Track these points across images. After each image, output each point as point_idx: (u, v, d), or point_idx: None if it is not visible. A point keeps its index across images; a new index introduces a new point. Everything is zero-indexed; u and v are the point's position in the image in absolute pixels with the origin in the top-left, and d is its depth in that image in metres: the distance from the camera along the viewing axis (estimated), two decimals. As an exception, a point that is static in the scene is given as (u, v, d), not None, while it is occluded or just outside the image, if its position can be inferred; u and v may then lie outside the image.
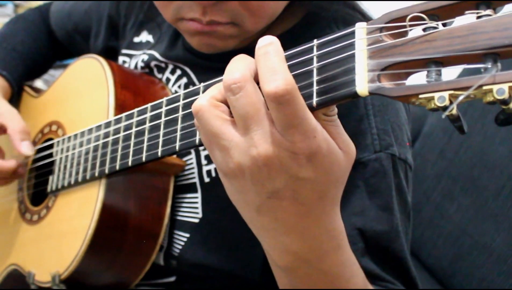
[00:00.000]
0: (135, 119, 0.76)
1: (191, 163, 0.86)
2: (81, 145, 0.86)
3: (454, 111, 0.43)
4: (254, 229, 0.60)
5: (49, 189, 0.92)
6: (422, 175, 1.32)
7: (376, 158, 0.75)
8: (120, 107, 0.85)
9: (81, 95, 0.94)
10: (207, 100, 0.53)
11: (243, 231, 0.62)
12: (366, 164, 0.75)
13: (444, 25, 0.45)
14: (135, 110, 0.76)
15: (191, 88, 0.65)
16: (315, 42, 0.52)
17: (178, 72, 0.91)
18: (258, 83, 0.51)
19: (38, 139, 1.00)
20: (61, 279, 0.84)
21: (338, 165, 0.53)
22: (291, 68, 0.53)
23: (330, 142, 0.52)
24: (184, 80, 0.90)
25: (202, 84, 0.63)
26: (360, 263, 0.72)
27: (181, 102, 0.66)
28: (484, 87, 0.41)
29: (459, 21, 0.44)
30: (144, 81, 0.93)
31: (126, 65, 1.01)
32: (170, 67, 0.93)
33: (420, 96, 0.44)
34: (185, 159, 0.86)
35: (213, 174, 0.84)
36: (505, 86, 0.40)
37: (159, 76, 0.94)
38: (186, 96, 0.65)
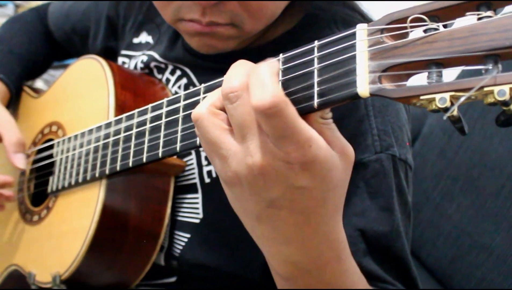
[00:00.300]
0: (135, 120, 0.76)
1: (192, 164, 0.86)
2: (81, 145, 0.86)
3: (455, 113, 0.43)
4: (255, 237, 0.60)
5: (49, 189, 0.93)
6: (421, 175, 1.32)
7: (376, 159, 0.75)
8: (120, 108, 0.85)
9: (81, 96, 0.94)
10: (207, 108, 0.53)
11: (244, 231, 0.62)
12: (366, 165, 0.75)
13: (444, 26, 0.45)
14: (136, 111, 0.76)
15: (192, 89, 0.65)
16: (316, 43, 0.52)
17: (178, 72, 0.91)
18: None
19: (38, 139, 1.00)
20: (62, 279, 0.84)
21: (335, 170, 0.53)
22: (292, 69, 0.53)
23: (327, 148, 0.51)
24: (184, 80, 0.90)
25: (203, 85, 0.63)
26: (361, 264, 0.73)
27: (182, 103, 0.66)
28: (485, 89, 0.41)
29: (459, 23, 0.44)
30: (144, 81, 0.93)
31: (126, 66, 1.01)
32: (170, 67, 0.93)
33: (421, 97, 0.44)
34: (185, 159, 0.86)
35: (214, 174, 0.84)
36: (506, 88, 0.40)
37: (159, 76, 0.94)
38: (187, 97, 0.65)
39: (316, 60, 0.52)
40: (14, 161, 0.93)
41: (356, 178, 0.75)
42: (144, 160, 0.72)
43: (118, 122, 0.80)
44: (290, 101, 0.48)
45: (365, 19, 0.84)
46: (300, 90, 0.52)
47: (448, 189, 1.27)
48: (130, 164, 0.75)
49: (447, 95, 0.43)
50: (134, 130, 0.76)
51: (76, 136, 0.88)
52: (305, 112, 0.52)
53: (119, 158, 0.78)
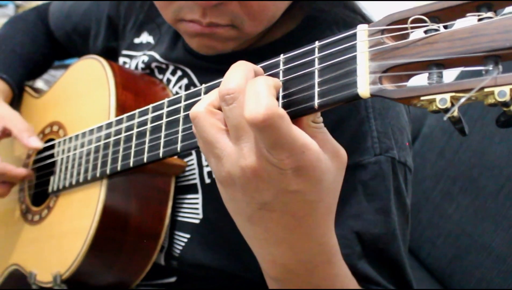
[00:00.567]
0: (136, 120, 0.76)
1: (192, 164, 0.86)
2: (82, 145, 0.86)
3: (456, 113, 0.43)
4: (246, 237, 0.61)
5: (50, 189, 0.93)
6: (421, 175, 1.32)
7: (375, 161, 0.76)
8: (121, 108, 0.85)
9: (82, 96, 0.94)
10: (204, 107, 0.53)
11: None
12: (365, 167, 0.76)
13: (445, 27, 0.45)
14: (137, 111, 0.76)
15: (193, 90, 0.65)
16: (317, 44, 0.53)
17: (179, 73, 0.91)
18: None
19: (39, 139, 1.00)
20: (63, 279, 0.84)
21: (328, 173, 0.53)
22: (293, 69, 0.54)
23: (319, 153, 0.51)
24: (185, 81, 0.90)
25: (204, 85, 0.63)
26: (356, 266, 0.73)
27: (183, 104, 0.66)
28: (486, 89, 0.41)
29: (460, 24, 0.45)
30: (145, 81, 0.93)
31: (127, 66, 1.01)
32: (171, 68, 0.93)
33: (422, 98, 0.44)
34: (186, 160, 0.86)
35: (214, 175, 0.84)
36: (507, 88, 0.41)
37: (160, 76, 0.94)
38: (188, 97, 0.65)
39: (317, 61, 0.52)
40: (30, 145, 0.94)
41: (354, 180, 0.75)
42: (145, 160, 0.73)
43: (119, 122, 0.80)
44: (284, 113, 0.48)
45: (366, 20, 0.84)
46: (301, 91, 0.53)
47: (447, 189, 1.27)
48: (131, 164, 0.76)
49: (447, 96, 0.43)
50: (135, 130, 0.76)
51: (77, 136, 0.88)
52: (306, 113, 0.52)
53: (120, 158, 0.78)
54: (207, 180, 0.84)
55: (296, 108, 0.53)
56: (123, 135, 0.78)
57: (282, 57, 0.55)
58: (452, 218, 1.24)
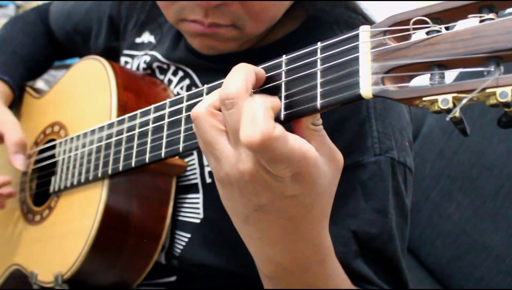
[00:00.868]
0: (138, 121, 0.76)
1: (193, 164, 0.86)
2: (83, 146, 0.86)
3: (457, 114, 0.44)
4: (242, 236, 0.61)
5: (51, 189, 0.93)
6: (421, 175, 1.33)
7: (375, 161, 0.76)
8: (122, 108, 0.85)
9: (84, 96, 0.94)
10: (205, 108, 0.54)
11: None
12: (365, 167, 0.76)
13: (447, 28, 0.45)
14: (138, 111, 0.77)
15: (195, 90, 0.65)
16: (319, 44, 0.53)
17: (180, 73, 0.91)
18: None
19: (40, 139, 1.00)
20: (64, 279, 0.84)
21: (324, 177, 0.54)
22: (295, 70, 0.54)
23: (316, 158, 0.52)
24: (186, 81, 0.90)
25: (206, 86, 0.63)
26: (352, 265, 0.74)
27: (185, 104, 0.66)
28: (487, 90, 0.42)
29: (462, 25, 0.45)
30: (146, 82, 0.93)
31: (128, 66, 1.01)
32: (172, 68, 0.93)
33: (424, 98, 0.45)
34: (187, 160, 0.86)
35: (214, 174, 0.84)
36: (508, 89, 0.41)
37: (161, 77, 0.94)
38: (190, 97, 0.66)
39: (319, 62, 0.52)
40: (13, 162, 0.93)
41: (353, 179, 0.76)
42: (147, 160, 0.73)
43: (120, 122, 0.80)
44: (281, 133, 0.48)
45: (368, 21, 0.84)
46: (303, 91, 0.53)
47: (447, 189, 1.27)
48: (133, 164, 0.76)
49: (449, 97, 0.43)
50: (137, 131, 0.76)
51: (78, 137, 0.88)
52: (308, 113, 0.53)
53: (121, 158, 0.78)
54: (208, 180, 0.85)
55: (299, 108, 0.53)
56: (124, 135, 0.78)
57: (284, 58, 0.55)
58: (452, 218, 1.24)
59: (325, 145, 0.55)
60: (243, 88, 0.51)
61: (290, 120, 0.54)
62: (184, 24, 0.76)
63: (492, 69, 0.42)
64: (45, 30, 1.22)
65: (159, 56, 0.95)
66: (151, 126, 0.73)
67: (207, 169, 0.85)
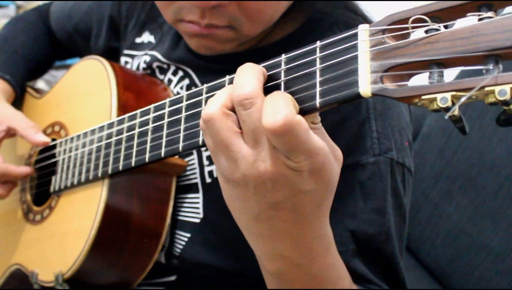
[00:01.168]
0: (138, 120, 0.76)
1: (193, 164, 0.86)
2: (84, 145, 0.86)
3: (456, 112, 0.44)
4: (248, 235, 0.62)
5: (52, 189, 0.93)
6: (420, 175, 1.33)
7: (374, 161, 0.76)
8: (122, 108, 0.86)
9: (84, 96, 0.94)
10: (219, 109, 0.54)
11: None
12: (364, 167, 0.76)
13: (445, 27, 0.46)
14: (138, 111, 0.77)
15: (194, 89, 0.65)
16: (318, 43, 0.53)
17: (180, 73, 0.92)
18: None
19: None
20: (64, 278, 0.84)
21: (335, 174, 0.55)
22: (295, 69, 0.54)
23: (330, 154, 0.53)
24: (186, 81, 0.90)
25: (205, 85, 0.63)
26: (349, 264, 0.74)
27: (184, 103, 0.66)
28: (486, 89, 0.42)
29: (460, 23, 0.45)
30: (146, 82, 0.93)
31: (129, 65, 1.01)
32: (172, 68, 0.93)
33: (423, 97, 0.45)
34: (187, 159, 0.87)
35: (215, 174, 0.84)
36: (507, 87, 0.41)
37: (161, 77, 0.94)
38: (189, 97, 0.66)
39: (318, 60, 0.52)
40: (39, 139, 0.93)
41: (352, 179, 0.76)
42: (147, 159, 0.73)
43: (120, 122, 0.80)
44: (301, 118, 0.49)
45: (367, 21, 0.84)
46: (303, 90, 0.53)
47: (447, 188, 1.27)
48: (133, 164, 0.76)
49: (448, 95, 0.44)
50: (137, 130, 0.76)
51: (78, 136, 0.88)
52: (307, 112, 0.53)
53: (121, 158, 0.78)
54: (208, 180, 0.85)
55: (298, 107, 0.53)
56: (124, 135, 0.78)
57: (283, 57, 0.55)
58: (451, 217, 1.24)
59: (328, 142, 0.55)
60: (259, 87, 0.52)
61: None
62: (182, 24, 0.76)
63: (491, 68, 0.42)
64: (46, 30, 1.22)
65: (159, 56, 0.95)
66: (151, 125, 0.73)
67: (207, 169, 0.85)
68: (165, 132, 0.69)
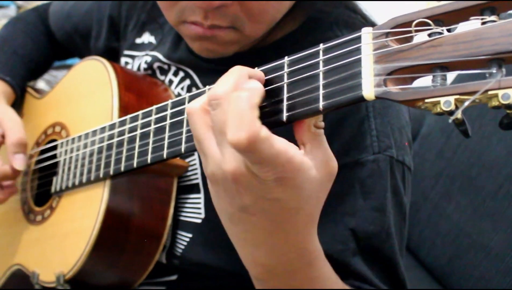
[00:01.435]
0: (140, 121, 0.76)
1: (195, 164, 0.86)
2: (85, 146, 0.87)
3: (459, 116, 0.44)
4: (229, 235, 0.62)
5: (53, 189, 0.93)
6: (420, 175, 1.33)
7: (374, 160, 0.76)
8: (124, 109, 0.86)
9: (85, 97, 0.94)
10: (200, 105, 0.54)
11: None
12: (363, 165, 0.76)
13: (449, 30, 0.46)
14: (140, 112, 0.77)
15: (197, 91, 0.65)
16: (321, 46, 0.53)
17: (181, 74, 0.92)
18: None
19: (42, 140, 1.00)
20: (66, 279, 0.84)
21: (309, 182, 0.53)
22: (298, 72, 0.54)
23: (302, 163, 0.52)
24: (187, 82, 0.91)
25: (208, 87, 0.63)
26: (350, 263, 0.74)
27: (187, 105, 0.66)
28: (490, 92, 0.42)
29: (463, 27, 0.45)
30: (148, 83, 0.93)
31: (129, 66, 1.01)
32: (173, 69, 0.93)
33: (426, 100, 0.45)
34: (188, 160, 0.87)
35: None
36: (510, 91, 0.41)
37: (162, 78, 0.94)
38: (192, 98, 0.66)
39: (321, 63, 0.52)
40: (13, 161, 0.93)
41: (352, 177, 0.76)
42: (149, 161, 0.73)
43: (122, 123, 0.80)
44: (267, 135, 0.48)
45: (367, 20, 0.84)
46: (306, 93, 0.53)
47: (446, 188, 1.28)
48: (135, 165, 0.76)
49: (452, 98, 0.44)
50: (139, 131, 0.76)
51: (80, 137, 0.88)
52: (310, 114, 0.53)
53: (123, 159, 0.78)
54: None
55: (301, 110, 0.53)
56: (126, 136, 0.78)
57: (286, 59, 0.55)
58: (451, 217, 1.24)
59: (321, 148, 0.55)
60: (229, 90, 0.51)
61: (292, 122, 0.55)
62: (185, 26, 0.76)
63: (494, 71, 0.42)
64: (45, 30, 1.22)
65: (160, 56, 0.95)
66: (153, 127, 0.73)
67: None
68: (167, 133, 0.69)
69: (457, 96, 0.43)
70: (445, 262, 1.24)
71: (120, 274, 0.88)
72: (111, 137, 0.82)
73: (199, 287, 0.92)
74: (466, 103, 0.43)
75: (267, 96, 0.56)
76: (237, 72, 0.53)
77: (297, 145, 0.54)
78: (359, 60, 0.49)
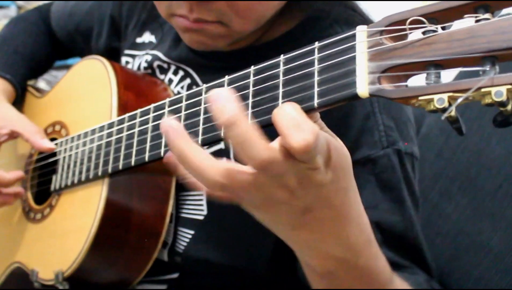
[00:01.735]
0: (138, 120, 0.77)
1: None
2: (84, 145, 0.87)
3: (453, 113, 0.44)
4: (292, 244, 0.61)
5: (52, 188, 0.93)
6: (420, 174, 1.32)
7: (384, 154, 0.78)
8: (123, 108, 0.86)
9: (85, 96, 0.95)
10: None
11: (248, 227, 0.62)
12: (375, 161, 0.78)
13: (443, 28, 0.46)
14: (138, 110, 0.77)
15: (194, 89, 0.65)
16: (317, 44, 0.53)
17: (181, 73, 0.92)
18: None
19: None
20: (65, 276, 0.85)
21: (345, 155, 0.55)
22: (293, 70, 0.54)
23: (332, 140, 0.53)
24: (187, 81, 0.91)
25: (205, 85, 0.64)
26: None
27: (184, 103, 0.66)
28: (483, 90, 0.42)
29: (458, 25, 0.45)
30: (147, 82, 0.94)
31: (130, 65, 1.02)
32: (173, 68, 0.93)
33: (420, 98, 0.45)
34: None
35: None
36: (503, 88, 0.41)
37: (162, 76, 0.94)
38: (189, 97, 0.66)
39: (316, 61, 0.53)
40: (44, 146, 0.94)
41: (366, 173, 0.78)
42: (147, 158, 0.73)
43: (120, 122, 0.80)
44: (318, 133, 0.48)
45: (365, 19, 0.85)
46: (301, 90, 0.53)
47: (446, 188, 1.27)
48: (133, 163, 0.76)
49: (445, 96, 0.44)
50: (137, 129, 0.76)
51: (79, 136, 0.89)
52: (306, 112, 0.53)
53: (121, 157, 0.79)
54: None
55: None
56: (124, 134, 0.79)
57: (282, 57, 0.56)
58: (451, 217, 1.24)
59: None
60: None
61: None
62: (174, 19, 0.78)
63: (488, 69, 0.43)
64: (47, 30, 1.22)
65: (160, 55, 0.95)
66: (150, 124, 0.73)
67: None
68: None
69: (451, 94, 0.44)
70: (445, 262, 1.24)
71: (119, 271, 0.88)
72: (109, 135, 0.82)
73: (201, 285, 0.92)
74: (459, 100, 0.43)
75: (263, 94, 0.56)
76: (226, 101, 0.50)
77: None
78: (354, 58, 0.50)
